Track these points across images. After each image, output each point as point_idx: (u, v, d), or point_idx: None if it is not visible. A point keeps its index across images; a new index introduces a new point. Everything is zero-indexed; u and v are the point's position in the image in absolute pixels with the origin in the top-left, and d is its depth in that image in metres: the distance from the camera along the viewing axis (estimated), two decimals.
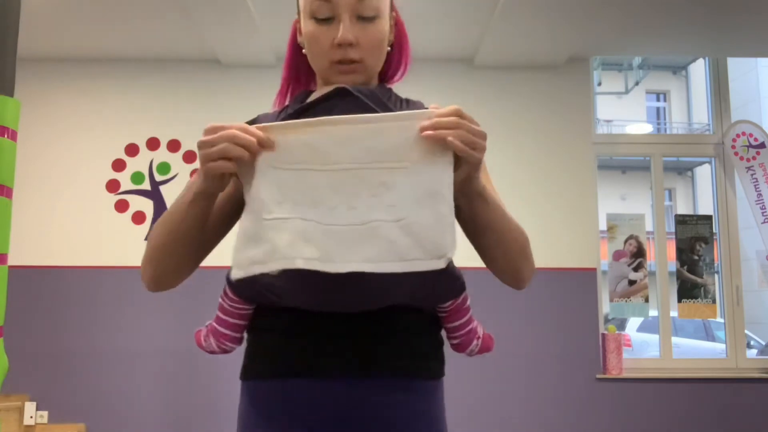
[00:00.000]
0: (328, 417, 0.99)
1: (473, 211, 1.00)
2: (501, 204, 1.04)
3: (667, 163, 4.56)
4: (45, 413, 3.86)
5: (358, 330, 1.00)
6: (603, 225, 4.16)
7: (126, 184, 4.13)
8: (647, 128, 12.15)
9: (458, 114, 0.91)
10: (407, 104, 1.12)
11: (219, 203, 1.04)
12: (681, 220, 4.22)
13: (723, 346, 4.32)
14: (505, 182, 3.97)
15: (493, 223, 1.02)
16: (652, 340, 6.36)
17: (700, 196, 13.30)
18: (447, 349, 1.13)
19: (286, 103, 1.18)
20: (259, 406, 1.03)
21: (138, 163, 4.15)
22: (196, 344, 1.11)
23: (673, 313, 4.24)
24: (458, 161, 0.92)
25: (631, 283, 4.11)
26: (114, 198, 4.11)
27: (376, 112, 0.98)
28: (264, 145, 0.91)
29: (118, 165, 4.15)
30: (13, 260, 2.07)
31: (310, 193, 0.91)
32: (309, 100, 1.08)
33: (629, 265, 4.11)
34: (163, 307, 3.86)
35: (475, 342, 1.12)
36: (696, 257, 4.16)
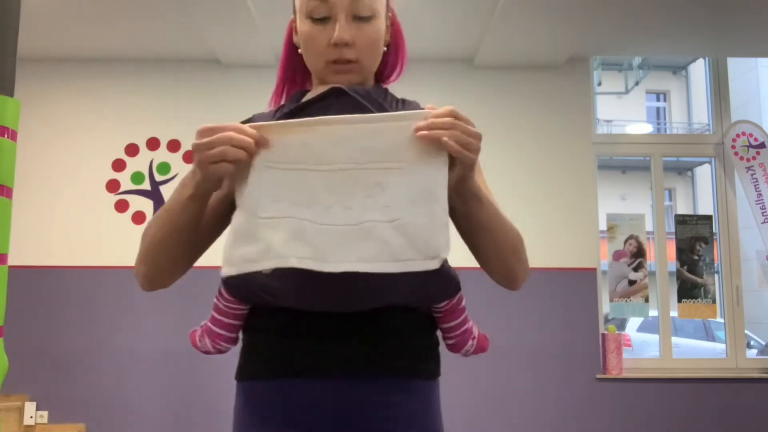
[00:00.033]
0: (324, 417, 0.99)
1: (467, 211, 1.00)
2: (495, 204, 1.04)
3: (667, 163, 4.56)
4: (45, 413, 3.86)
5: (354, 330, 1.00)
6: (603, 225, 4.16)
7: (126, 184, 4.13)
8: (647, 128, 12.16)
9: (453, 115, 0.91)
10: (403, 104, 1.12)
11: (213, 203, 1.03)
12: (681, 220, 4.22)
13: (723, 346, 4.32)
14: (505, 182, 4.02)
15: (487, 223, 1.02)
16: (652, 340, 6.36)
17: (700, 196, 13.30)
18: (445, 350, 1.13)
19: (282, 102, 1.18)
20: (255, 406, 1.03)
21: (138, 163, 4.15)
22: (191, 344, 1.11)
23: (673, 313, 4.24)
24: (453, 162, 0.92)
25: (631, 283, 4.11)
26: (114, 198, 4.11)
27: (371, 112, 0.99)
28: (260, 144, 0.91)
29: (118, 165, 4.15)
30: (13, 260, 2.07)
31: (306, 193, 0.91)
32: (304, 99, 1.08)
33: (629, 265, 4.11)
34: (163, 307, 3.86)
35: (470, 342, 1.12)
36: (696, 257, 4.16)
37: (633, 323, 8.18)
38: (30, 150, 4.00)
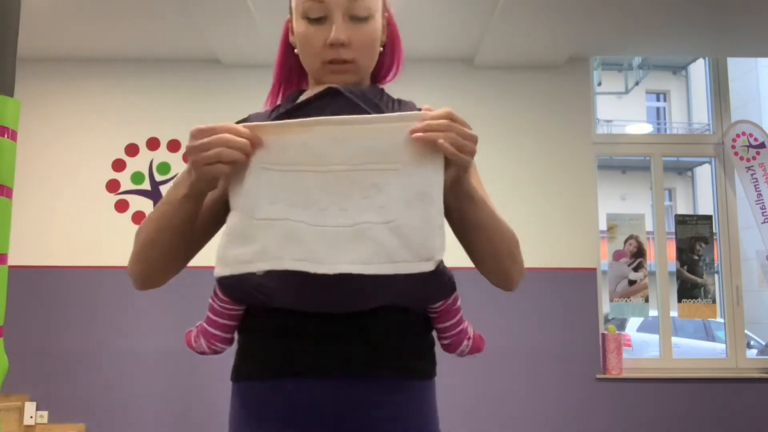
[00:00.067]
0: (320, 417, 0.99)
1: (462, 211, 1.01)
2: (491, 205, 1.04)
3: (667, 163, 4.56)
4: (45, 413, 3.86)
5: (349, 330, 1.00)
6: (603, 225, 4.16)
7: (126, 184, 4.13)
8: (647, 128, 12.16)
9: (449, 117, 0.91)
10: (399, 104, 1.12)
11: (208, 202, 1.03)
12: (681, 220, 4.22)
13: (723, 346, 4.32)
14: (505, 182, 4.03)
15: (482, 223, 1.02)
16: (652, 340, 6.36)
17: (700, 196, 13.30)
18: (445, 351, 1.13)
19: (278, 102, 1.18)
20: (251, 407, 1.03)
21: (138, 163, 4.15)
22: (186, 345, 1.11)
23: (673, 313, 4.24)
24: (448, 163, 0.92)
25: (631, 283, 4.11)
26: (114, 198, 4.11)
27: (367, 112, 0.99)
28: (254, 144, 0.91)
29: (118, 165, 4.15)
30: (13, 260, 2.07)
31: (302, 194, 0.91)
32: (300, 99, 1.08)
33: (629, 265, 4.11)
34: (163, 307, 3.86)
35: (465, 342, 1.12)
36: (696, 257, 4.16)
37: (633, 323, 8.18)
38: (30, 150, 4.00)
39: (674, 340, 4.24)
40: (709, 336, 7.87)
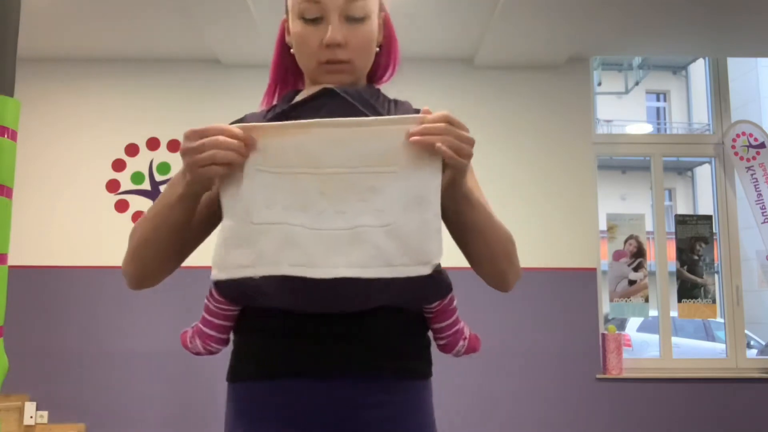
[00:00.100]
0: (319, 417, 0.99)
1: (459, 213, 1.01)
2: (487, 207, 1.05)
3: (667, 163, 4.56)
4: (45, 413, 3.86)
5: (349, 331, 1.00)
6: (603, 225, 4.16)
7: (126, 184, 4.13)
8: (647, 128, 12.16)
9: (447, 120, 0.91)
10: (395, 105, 1.11)
11: (204, 202, 1.03)
12: (681, 220, 4.22)
13: (723, 346, 4.32)
14: (505, 182, 4.03)
15: (478, 224, 1.02)
16: (652, 340, 6.36)
17: (700, 196, 13.30)
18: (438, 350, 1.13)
19: (274, 102, 1.18)
20: (247, 407, 1.03)
21: (138, 163, 4.15)
22: (182, 345, 1.11)
23: (673, 313, 4.24)
24: (445, 165, 0.92)
25: (631, 283, 4.11)
26: (114, 198, 4.11)
27: (363, 113, 0.99)
28: (248, 145, 0.91)
29: (118, 165, 4.15)
30: (13, 260, 2.07)
31: (299, 197, 0.90)
32: (296, 100, 1.08)
33: (629, 265, 4.11)
34: (163, 307, 3.86)
35: (461, 343, 1.12)
36: (696, 257, 4.16)
37: (633, 323, 8.18)
38: (30, 150, 4.00)
39: (674, 340, 4.24)
40: (709, 336, 7.87)
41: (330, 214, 0.90)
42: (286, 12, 1.12)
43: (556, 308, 3.98)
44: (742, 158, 4.20)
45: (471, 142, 0.93)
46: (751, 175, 4.17)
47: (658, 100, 14.16)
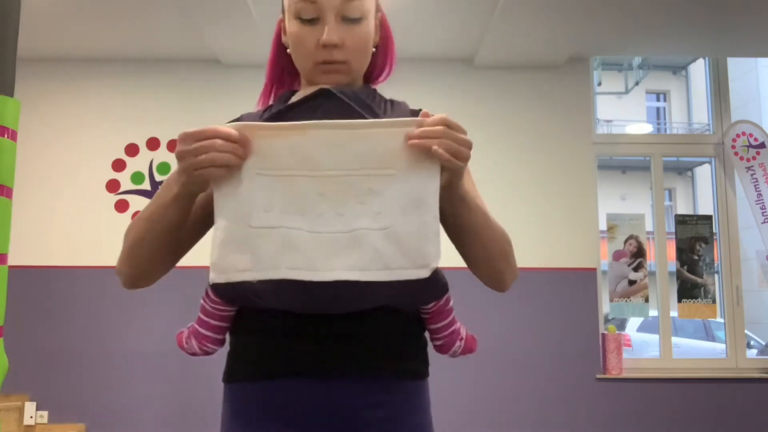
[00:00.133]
0: (318, 417, 0.99)
1: (456, 215, 1.01)
2: (484, 208, 1.05)
3: (667, 163, 4.56)
4: (45, 413, 3.86)
5: (346, 331, 1.00)
6: (603, 225, 4.16)
7: (126, 184, 4.13)
8: (647, 128, 12.16)
9: (445, 123, 0.91)
10: (391, 105, 1.12)
11: (199, 202, 1.03)
12: (681, 220, 4.22)
13: (723, 346, 4.32)
14: (505, 182, 4.03)
15: (475, 226, 1.02)
16: (652, 340, 6.36)
17: (700, 196, 13.30)
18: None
19: (270, 102, 1.18)
20: (243, 408, 1.02)
21: (138, 163, 4.15)
22: (178, 345, 1.11)
23: (673, 313, 4.24)
24: (442, 168, 0.92)
25: (631, 283, 4.11)
26: (114, 198, 4.11)
27: (359, 113, 0.98)
28: (244, 145, 0.90)
29: (118, 165, 4.15)
30: (13, 260, 2.07)
31: (298, 200, 0.90)
32: (293, 100, 1.08)
33: (629, 265, 4.11)
34: (163, 307, 3.86)
35: (458, 343, 1.12)
36: (696, 257, 4.16)
37: (633, 323, 8.18)
38: (30, 150, 4.00)
39: (674, 340, 4.24)
40: (709, 336, 7.87)
41: (329, 217, 0.90)
42: (283, 12, 1.11)
43: (556, 308, 3.98)
44: (742, 158, 4.20)
45: (469, 145, 0.93)
46: (751, 175, 4.17)
47: (658, 100, 14.16)
